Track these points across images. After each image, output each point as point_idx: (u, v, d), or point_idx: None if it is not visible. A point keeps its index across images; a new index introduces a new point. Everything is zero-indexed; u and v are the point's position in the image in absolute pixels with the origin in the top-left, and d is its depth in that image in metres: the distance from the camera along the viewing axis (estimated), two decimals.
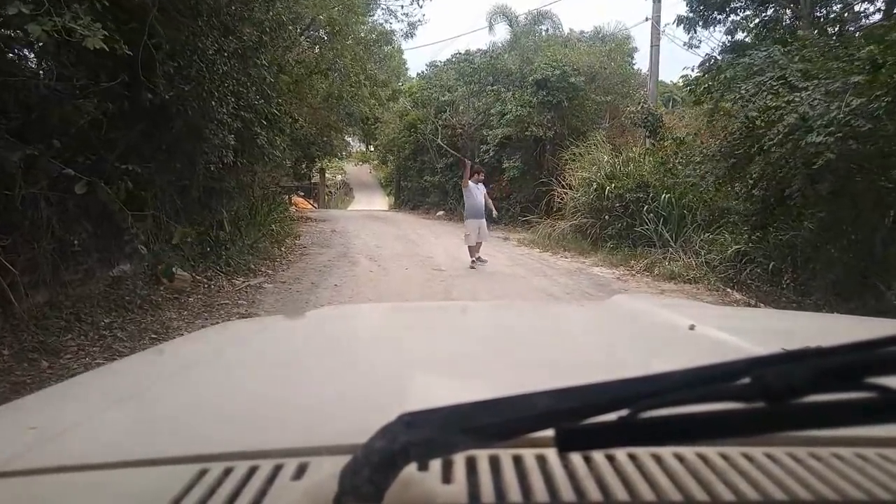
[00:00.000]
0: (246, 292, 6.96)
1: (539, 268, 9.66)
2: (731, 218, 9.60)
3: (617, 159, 11.66)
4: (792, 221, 7.08)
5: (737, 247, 8.21)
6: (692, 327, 1.08)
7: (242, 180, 8.87)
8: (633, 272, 9.42)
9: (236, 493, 0.46)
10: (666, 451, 0.51)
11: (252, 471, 0.50)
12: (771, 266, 7.67)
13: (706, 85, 7.97)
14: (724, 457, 0.50)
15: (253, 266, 8.42)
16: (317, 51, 10.15)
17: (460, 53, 17.54)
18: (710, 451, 0.51)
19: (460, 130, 18.43)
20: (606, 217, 11.06)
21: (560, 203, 12.96)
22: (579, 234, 11.86)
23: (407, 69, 25.91)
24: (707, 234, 9.57)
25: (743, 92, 5.61)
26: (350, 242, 12.29)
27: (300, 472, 0.49)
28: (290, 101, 10.06)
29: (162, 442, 0.60)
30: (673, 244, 9.86)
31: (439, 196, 21.54)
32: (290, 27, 8.40)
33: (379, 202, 31.68)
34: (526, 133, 14.27)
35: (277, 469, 0.50)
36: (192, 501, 0.46)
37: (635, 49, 15.67)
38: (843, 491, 0.45)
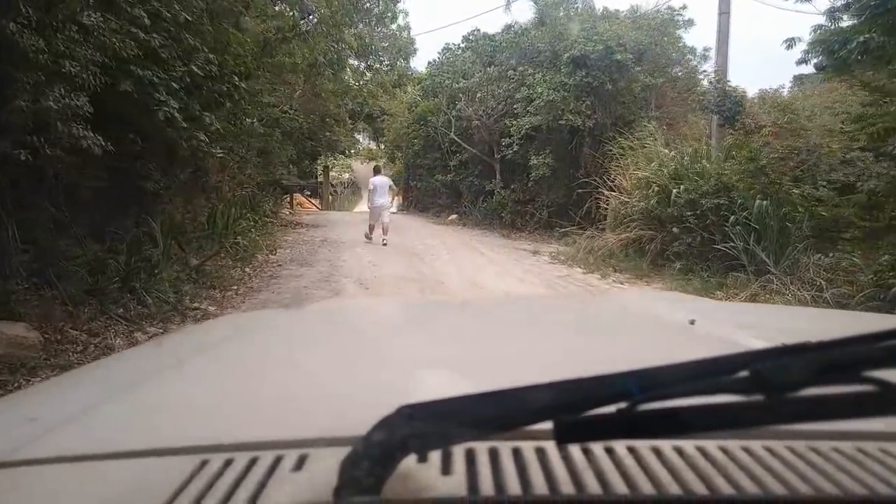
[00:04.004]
0: None
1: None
2: (852, 233, 6.99)
3: (683, 154, 9.01)
4: None
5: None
6: (692, 322, 1.07)
7: (179, 178, 6.35)
8: None
9: (237, 484, 0.46)
10: (665, 444, 0.51)
11: (252, 462, 0.50)
12: None
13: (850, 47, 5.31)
14: (724, 450, 0.50)
15: (188, 301, 5.90)
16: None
17: (478, 30, 14.92)
18: (710, 445, 0.51)
19: (477, 122, 15.81)
20: (674, 229, 8.41)
21: (605, 209, 10.34)
22: (633, 250, 9.23)
23: (416, 49, 23.27)
24: (823, 256, 6.94)
25: None
26: (340, 257, 9.75)
27: (300, 463, 0.49)
28: (259, 71, 7.55)
29: (163, 433, 0.60)
30: (773, 268, 7.21)
31: (451, 197, 19.09)
32: None
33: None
34: (560, 122, 11.59)
35: (278, 460, 0.50)
36: (193, 492, 0.45)
37: (690, 22, 13.01)
38: (843, 485, 0.45)
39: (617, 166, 10.28)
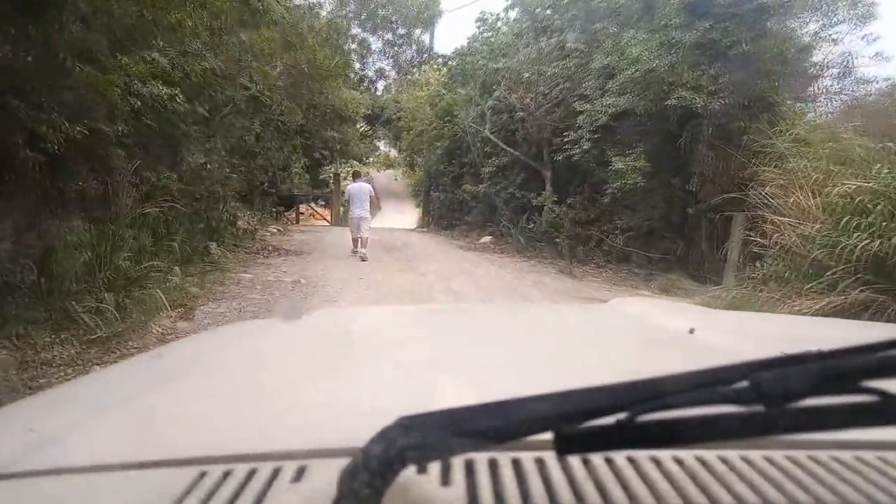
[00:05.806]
0: None
1: None
2: None
3: None
4: None
5: None
6: (692, 331, 1.06)
7: None
8: None
9: (235, 496, 0.46)
10: (665, 455, 0.50)
11: (251, 473, 0.50)
12: None
13: None
14: (723, 460, 0.49)
15: None
16: None
17: None
18: (709, 455, 0.50)
19: (522, 114, 11.77)
20: None
21: (758, 242, 6.16)
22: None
23: (440, 11, 19.47)
24: None
25: None
26: None
27: (299, 475, 0.49)
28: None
29: (161, 445, 0.60)
30: None
31: (484, 213, 15.05)
32: None
33: (408, 216, 24.96)
34: (664, 104, 7.46)
35: (276, 472, 0.50)
36: None
37: None
38: (842, 494, 0.44)
39: (779, 173, 6.08)
